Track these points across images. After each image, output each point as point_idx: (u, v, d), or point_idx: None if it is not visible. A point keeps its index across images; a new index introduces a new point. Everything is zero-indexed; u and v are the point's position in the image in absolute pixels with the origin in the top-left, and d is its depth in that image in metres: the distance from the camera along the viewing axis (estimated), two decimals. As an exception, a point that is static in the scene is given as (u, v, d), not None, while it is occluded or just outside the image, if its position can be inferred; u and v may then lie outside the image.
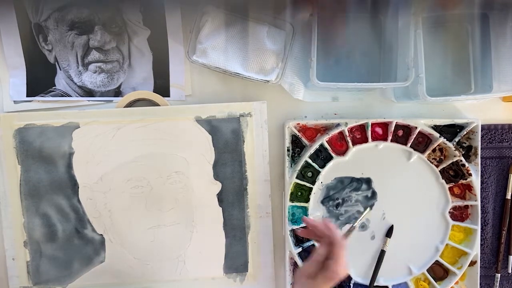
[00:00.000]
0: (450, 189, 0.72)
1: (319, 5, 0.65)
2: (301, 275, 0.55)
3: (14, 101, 0.71)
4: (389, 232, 0.72)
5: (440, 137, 0.69)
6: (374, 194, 0.72)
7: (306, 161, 0.70)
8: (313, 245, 0.71)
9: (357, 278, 0.72)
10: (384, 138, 0.71)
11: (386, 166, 0.71)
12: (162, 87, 0.72)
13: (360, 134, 0.71)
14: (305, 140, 0.71)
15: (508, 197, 0.73)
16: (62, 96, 0.71)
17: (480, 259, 0.72)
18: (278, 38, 0.67)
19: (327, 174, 0.71)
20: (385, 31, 0.69)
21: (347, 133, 0.70)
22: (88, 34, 0.69)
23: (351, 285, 0.71)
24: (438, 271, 0.73)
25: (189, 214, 0.71)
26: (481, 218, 0.72)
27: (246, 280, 0.73)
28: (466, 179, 0.71)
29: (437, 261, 0.72)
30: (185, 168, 0.71)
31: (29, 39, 0.69)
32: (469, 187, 0.72)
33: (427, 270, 0.72)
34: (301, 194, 0.72)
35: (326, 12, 0.68)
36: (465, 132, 0.70)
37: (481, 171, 0.71)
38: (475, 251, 0.71)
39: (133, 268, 0.72)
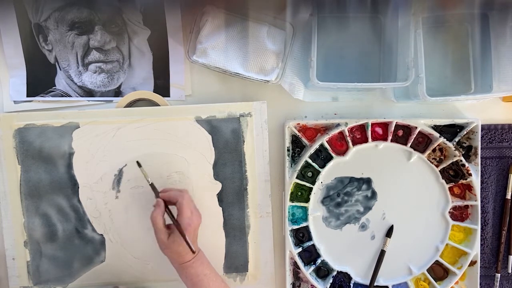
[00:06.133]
0: (450, 189, 0.72)
1: (319, 5, 0.65)
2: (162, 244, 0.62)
3: (14, 101, 0.71)
4: (389, 232, 0.72)
5: (440, 137, 0.69)
6: (374, 194, 0.72)
7: (306, 161, 0.70)
8: (313, 245, 0.71)
9: (357, 278, 0.72)
10: (384, 138, 0.71)
11: (386, 166, 0.71)
12: (162, 87, 0.72)
13: (360, 134, 0.71)
14: (305, 140, 0.71)
15: (508, 197, 0.73)
16: (62, 96, 0.71)
17: (480, 259, 0.72)
18: (278, 38, 0.67)
19: (327, 174, 0.71)
20: (385, 31, 0.69)
21: (347, 133, 0.70)
22: (88, 34, 0.69)
23: (351, 285, 0.71)
24: (438, 271, 0.73)
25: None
26: (481, 218, 0.72)
27: (246, 280, 0.73)
28: (466, 179, 0.71)
29: (437, 261, 0.72)
30: (185, 168, 0.71)
31: (29, 39, 0.69)
32: (469, 187, 0.72)
33: (427, 270, 0.72)
34: (301, 194, 0.72)
35: (326, 12, 0.68)
36: (465, 132, 0.70)
37: (481, 171, 0.71)
38: (475, 251, 0.71)
39: (133, 268, 0.72)
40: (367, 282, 0.72)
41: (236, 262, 0.73)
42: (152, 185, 0.66)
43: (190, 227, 0.61)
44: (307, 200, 0.71)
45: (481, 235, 0.73)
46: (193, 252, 0.61)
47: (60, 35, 0.69)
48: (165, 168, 0.70)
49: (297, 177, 0.70)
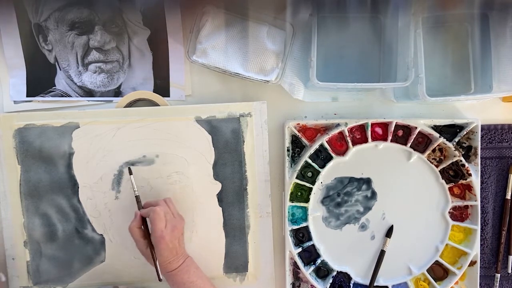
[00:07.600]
0: (450, 189, 0.72)
1: (319, 5, 0.65)
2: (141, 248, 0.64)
3: (14, 101, 0.71)
4: (389, 232, 0.72)
5: (440, 137, 0.69)
6: (374, 194, 0.72)
7: (306, 161, 0.70)
8: (313, 245, 0.71)
9: (357, 278, 0.72)
10: (384, 138, 0.71)
11: (386, 166, 0.71)
12: (162, 87, 0.72)
13: (360, 134, 0.71)
14: (305, 140, 0.71)
15: (508, 197, 0.73)
16: (62, 96, 0.71)
17: (480, 259, 0.72)
18: (278, 38, 0.67)
19: (327, 174, 0.71)
20: (385, 31, 0.69)
21: (347, 133, 0.70)
22: (88, 34, 0.69)
23: (351, 285, 0.71)
24: (438, 271, 0.73)
25: (189, 214, 0.71)
26: (481, 218, 0.72)
27: (246, 280, 0.73)
28: (466, 179, 0.71)
29: (437, 261, 0.72)
30: (185, 168, 0.71)
31: (29, 39, 0.69)
32: (469, 187, 0.72)
33: (427, 270, 0.72)
34: (301, 194, 0.72)
35: (326, 12, 0.68)
36: (465, 132, 0.70)
37: (481, 171, 0.71)
38: (475, 251, 0.71)
39: (133, 268, 0.72)
40: (367, 282, 0.72)
41: (236, 262, 0.73)
42: (137, 197, 0.67)
43: (164, 240, 0.61)
44: (307, 200, 0.71)
45: (481, 235, 0.73)
46: (159, 279, 0.62)
47: (60, 35, 0.69)
48: (165, 168, 0.70)
49: (297, 177, 0.70)
